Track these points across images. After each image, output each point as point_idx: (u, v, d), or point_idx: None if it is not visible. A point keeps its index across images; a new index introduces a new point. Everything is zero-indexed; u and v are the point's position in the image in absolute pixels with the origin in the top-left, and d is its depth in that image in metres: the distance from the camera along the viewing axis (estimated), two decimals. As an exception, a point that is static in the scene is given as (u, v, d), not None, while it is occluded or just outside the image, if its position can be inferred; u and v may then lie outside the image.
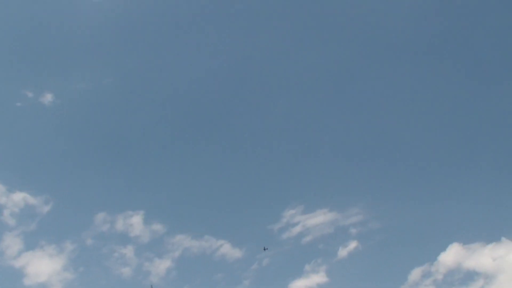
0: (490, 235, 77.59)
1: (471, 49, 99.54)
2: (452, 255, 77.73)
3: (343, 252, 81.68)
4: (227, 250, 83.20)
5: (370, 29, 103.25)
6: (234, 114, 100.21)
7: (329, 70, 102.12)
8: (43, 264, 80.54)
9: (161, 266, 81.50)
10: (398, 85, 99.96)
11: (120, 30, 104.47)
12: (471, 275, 75.85)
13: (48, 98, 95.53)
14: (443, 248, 77.84)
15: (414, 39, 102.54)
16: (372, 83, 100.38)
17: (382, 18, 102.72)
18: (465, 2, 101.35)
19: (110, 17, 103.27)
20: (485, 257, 76.67)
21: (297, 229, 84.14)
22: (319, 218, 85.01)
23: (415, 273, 76.92)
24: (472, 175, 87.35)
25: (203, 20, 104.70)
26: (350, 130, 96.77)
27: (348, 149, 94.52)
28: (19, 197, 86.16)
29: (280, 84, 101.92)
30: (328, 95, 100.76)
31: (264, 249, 78.26)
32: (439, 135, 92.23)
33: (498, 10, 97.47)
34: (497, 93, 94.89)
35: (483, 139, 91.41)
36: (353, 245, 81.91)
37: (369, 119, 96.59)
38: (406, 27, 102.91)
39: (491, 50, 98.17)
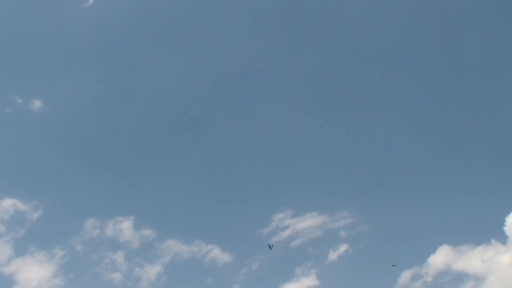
0: (480, 237, 77.98)
1: (463, 54, 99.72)
2: (441, 257, 77.99)
3: (333, 255, 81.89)
4: (217, 254, 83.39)
5: (362, 32, 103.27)
6: (224, 118, 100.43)
7: (318, 74, 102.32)
8: (33, 271, 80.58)
9: (152, 271, 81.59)
10: (386, 87, 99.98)
11: (108, 36, 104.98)
12: (460, 277, 76.18)
13: (37, 104, 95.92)
14: (433, 250, 78.10)
15: (406, 42, 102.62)
16: (360, 85, 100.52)
17: (375, 21, 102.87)
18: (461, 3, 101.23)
19: (99, 24, 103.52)
20: (474, 259, 76.98)
21: (286, 233, 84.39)
22: (309, 222, 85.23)
23: (405, 276, 77.19)
24: (461, 177, 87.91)
25: (192, 26, 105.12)
26: (339, 133, 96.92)
27: (337, 152, 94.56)
28: (9, 203, 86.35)
29: (268, 89, 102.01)
30: (317, 99, 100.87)
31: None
32: (428, 138, 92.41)
33: (496, 11, 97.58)
34: (488, 96, 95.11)
35: (472, 142, 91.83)
36: (343, 248, 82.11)
37: (358, 122, 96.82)
38: (399, 30, 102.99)
39: (485, 53, 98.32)
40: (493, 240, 76.98)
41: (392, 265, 75.22)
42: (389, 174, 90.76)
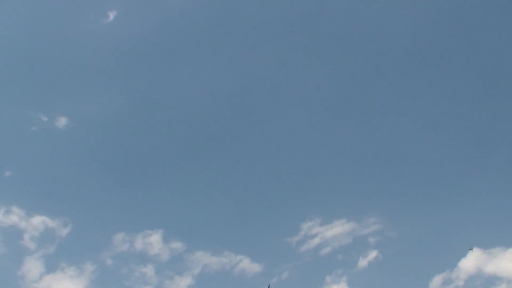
0: (511, 239, 77.48)
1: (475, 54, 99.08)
2: (472, 261, 77.50)
3: (363, 262, 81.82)
4: (246, 265, 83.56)
5: (382, 35, 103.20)
6: (249, 129, 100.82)
7: (341, 79, 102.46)
8: (64, 286, 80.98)
9: (182, 283, 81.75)
10: (406, 91, 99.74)
11: (130, 52, 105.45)
12: (492, 280, 75.64)
13: (62, 121, 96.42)
14: (463, 254, 77.74)
15: (427, 44, 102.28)
16: (383, 89, 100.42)
17: (394, 25, 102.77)
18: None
19: (120, 39, 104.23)
20: (506, 261, 76.29)
21: (315, 241, 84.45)
22: (337, 229, 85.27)
23: (436, 280, 76.84)
24: (490, 178, 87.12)
25: (212, 38, 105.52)
26: (364, 139, 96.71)
27: (362, 159, 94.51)
28: (38, 220, 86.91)
29: (292, 96, 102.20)
30: (341, 104, 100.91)
31: None
32: (454, 139, 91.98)
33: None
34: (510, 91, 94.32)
35: (501, 141, 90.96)
36: (373, 254, 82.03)
37: (383, 126, 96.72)
38: (420, 33, 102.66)
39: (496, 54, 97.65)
40: (525, 242, 76.56)
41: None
42: (416, 178, 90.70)
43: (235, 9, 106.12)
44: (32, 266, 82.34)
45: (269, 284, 74.09)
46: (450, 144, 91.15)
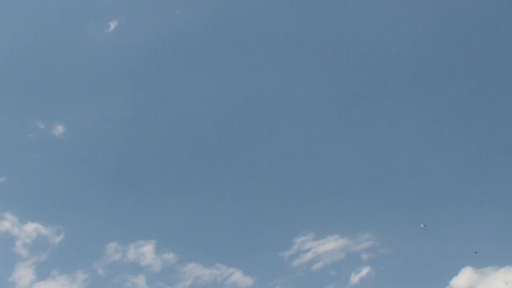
0: (503, 259, 77.45)
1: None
2: (464, 279, 77.57)
3: (355, 278, 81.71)
4: (238, 277, 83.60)
5: (387, 49, 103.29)
6: (244, 142, 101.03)
7: (334, 98, 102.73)
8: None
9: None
10: (407, 107, 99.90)
11: (130, 62, 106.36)
12: (484, 300, 75.69)
13: (59, 129, 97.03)
14: (455, 272, 77.87)
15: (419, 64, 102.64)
16: (380, 106, 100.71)
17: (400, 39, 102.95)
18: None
19: (120, 49, 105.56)
20: (497, 281, 76.34)
21: (308, 256, 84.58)
22: (330, 245, 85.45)
23: (428, 299, 76.95)
24: (483, 198, 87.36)
25: (214, 51, 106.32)
26: (359, 155, 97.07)
27: (357, 175, 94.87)
28: (31, 227, 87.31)
29: (287, 113, 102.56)
30: (337, 120, 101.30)
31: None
32: (449, 159, 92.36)
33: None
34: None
35: (493, 163, 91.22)
36: (365, 271, 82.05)
37: (379, 143, 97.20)
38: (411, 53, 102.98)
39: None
40: (516, 262, 76.63)
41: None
42: (410, 196, 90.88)
43: (236, 19, 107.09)
44: (24, 273, 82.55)
45: None
46: (445, 164, 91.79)
